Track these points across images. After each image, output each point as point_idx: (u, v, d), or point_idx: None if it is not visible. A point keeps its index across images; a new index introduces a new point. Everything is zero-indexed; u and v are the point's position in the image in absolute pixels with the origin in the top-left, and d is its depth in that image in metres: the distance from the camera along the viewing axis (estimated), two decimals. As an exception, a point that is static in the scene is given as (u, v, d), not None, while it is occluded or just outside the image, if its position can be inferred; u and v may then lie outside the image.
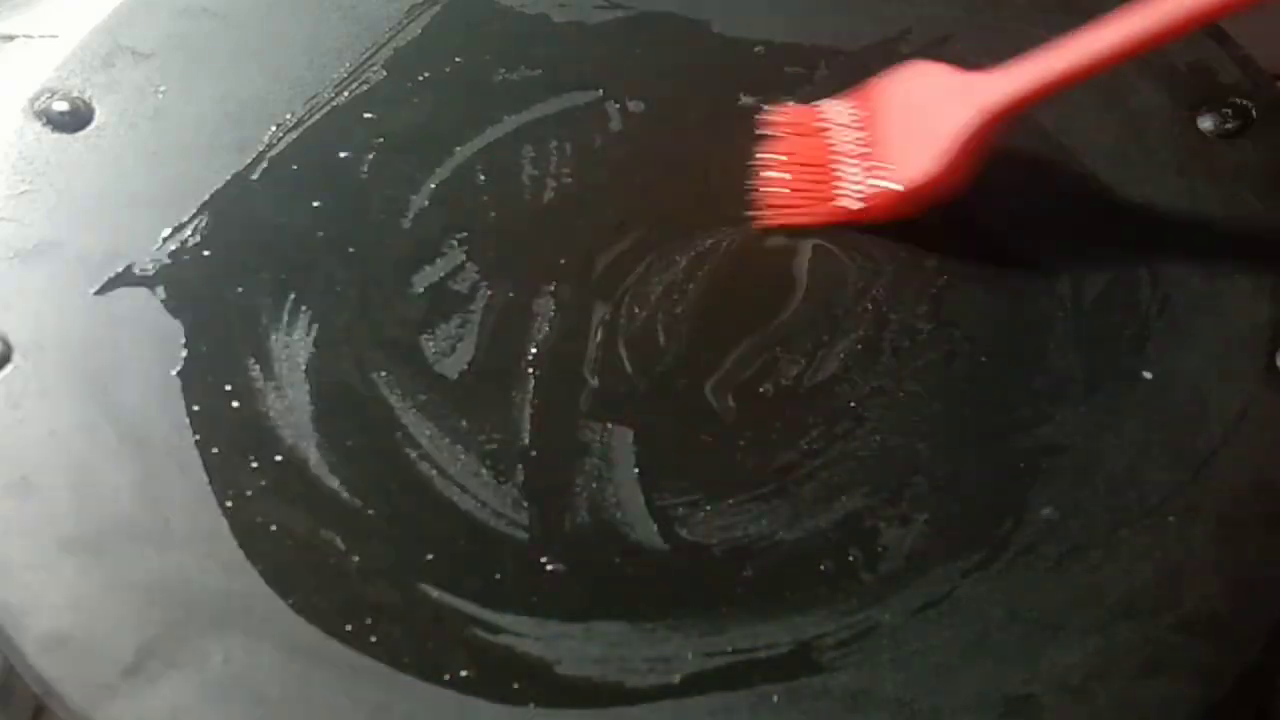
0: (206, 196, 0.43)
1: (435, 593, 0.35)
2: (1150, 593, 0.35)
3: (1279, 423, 0.38)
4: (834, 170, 0.43)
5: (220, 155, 0.44)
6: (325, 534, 0.36)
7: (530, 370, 0.40)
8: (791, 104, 0.45)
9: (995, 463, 0.38)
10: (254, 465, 0.37)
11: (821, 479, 0.38)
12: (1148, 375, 0.39)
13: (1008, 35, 0.43)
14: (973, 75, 0.41)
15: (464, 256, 0.42)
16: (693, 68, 0.47)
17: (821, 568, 0.36)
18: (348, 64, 0.46)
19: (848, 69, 0.46)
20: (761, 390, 0.39)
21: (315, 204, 0.43)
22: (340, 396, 0.39)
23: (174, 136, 0.44)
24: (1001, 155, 0.43)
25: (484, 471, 0.38)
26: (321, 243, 0.42)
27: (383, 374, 0.39)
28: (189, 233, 0.42)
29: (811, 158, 0.43)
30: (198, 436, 0.38)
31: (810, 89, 0.46)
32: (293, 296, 0.41)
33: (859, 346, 0.40)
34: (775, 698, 0.34)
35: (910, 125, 0.42)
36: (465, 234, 0.42)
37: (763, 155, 0.44)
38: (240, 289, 0.41)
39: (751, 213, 0.43)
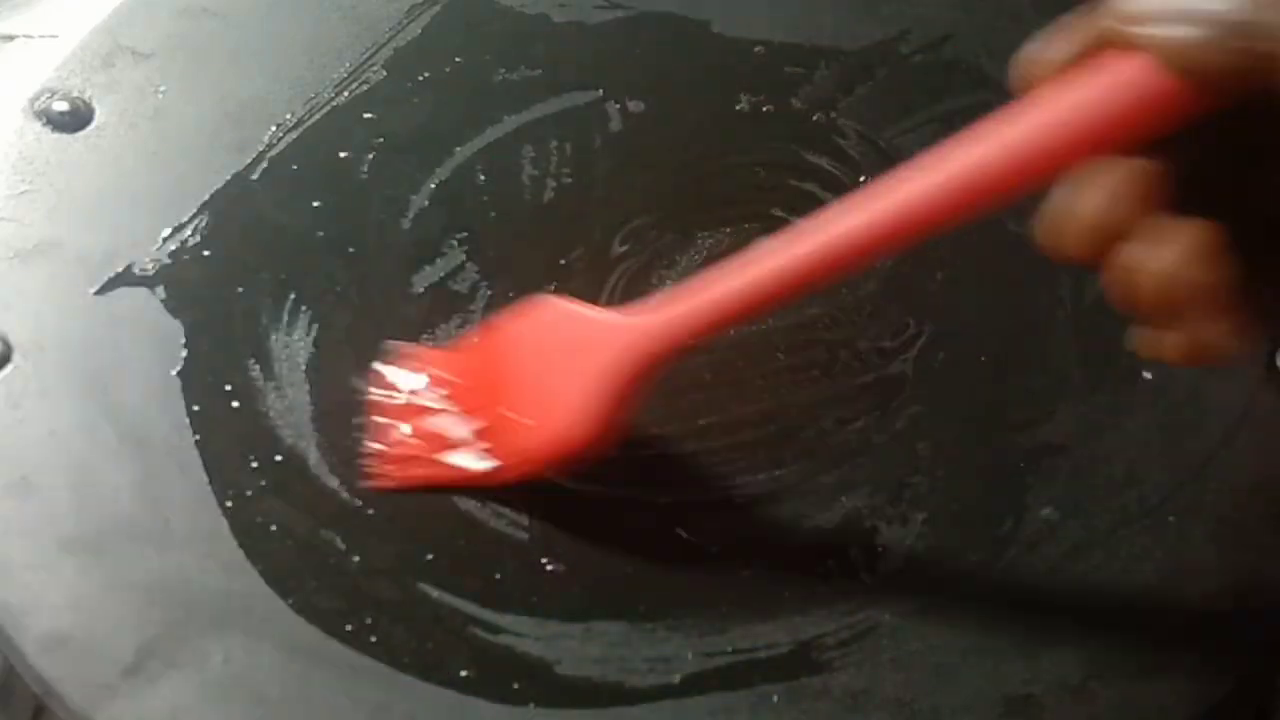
0: (206, 196, 0.43)
1: (435, 593, 0.35)
2: (1150, 593, 0.35)
3: (1279, 423, 0.38)
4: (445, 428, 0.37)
5: (220, 155, 0.44)
6: (325, 534, 0.36)
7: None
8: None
9: (995, 463, 0.38)
10: (254, 465, 0.37)
11: (822, 479, 0.38)
12: (1148, 375, 0.39)
13: (1008, 35, 0.43)
14: (610, 321, 0.35)
15: (464, 256, 0.42)
16: (693, 68, 0.47)
17: (821, 568, 0.36)
18: (348, 64, 0.46)
19: (848, 69, 0.46)
20: (761, 390, 0.39)
21: (315, 204, 0.43)
22: (340, 396, 0.39)
23: (174, 136, 0.44)
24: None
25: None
26: (321, 243, 0.42)
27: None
28: (189, 233, 0.42)
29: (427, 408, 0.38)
30: (198, 436, 0.38)
31: (810, 89, 0.46)
32: (293, 296, 0.41)
33: (858, 346, 0.40)
34: (775, 698, 0.34)
35: (541, 380, 0.36)
36: (465, 234, 0.43)
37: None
38: (240, 289, 0.41)
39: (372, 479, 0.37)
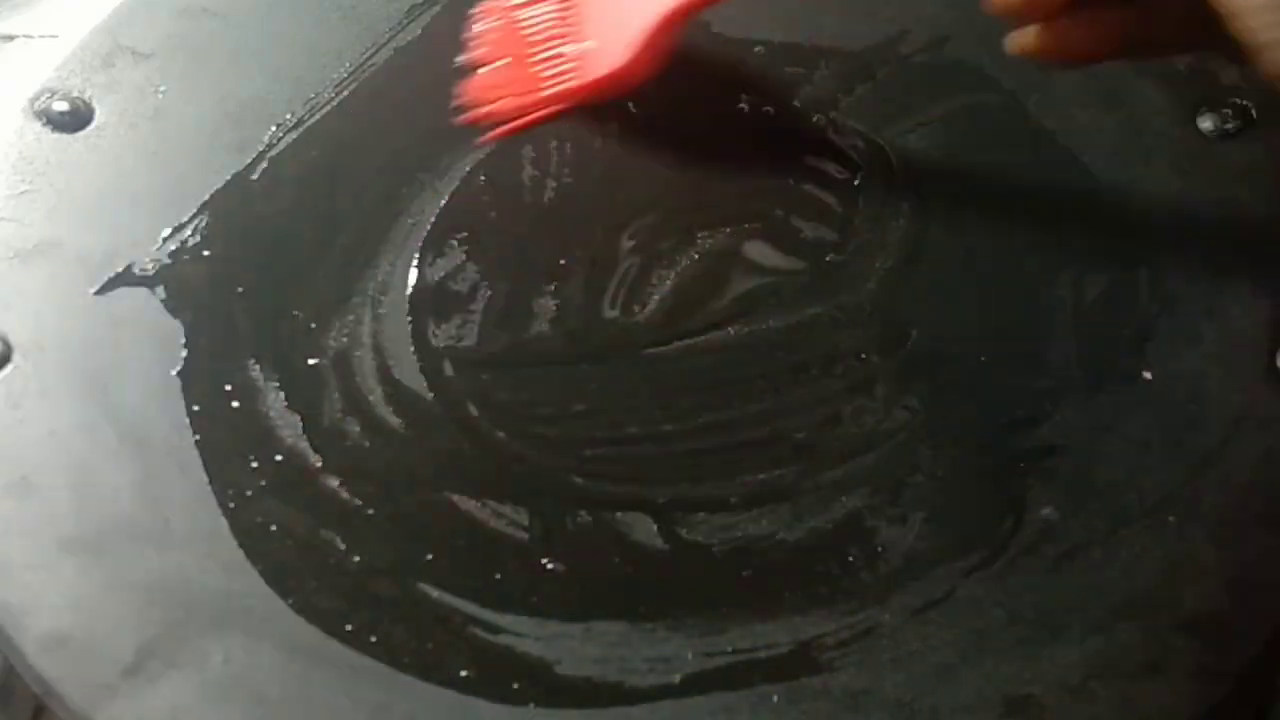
0: (206, 196, 0.43)
1: (435, 593, 0.35)
2: (1150, 593, 0.35)
3: (1279, 423, 0.38)
4: (534, 60, 0.43)
5: (220, 155, 0.44)
6: (325, 534, 0.36)
7: (530, 370, 0.40)
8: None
9: (995, 463, 0.38)
10: (254, 465, 0.38)
11: (821, 479, 0.38)
12: (1148, 375, 0.39)
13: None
14: None
15: (464, 256, 0.42)
16: (693, 68, 0.47)
17: (821, 568, 0.36)
18: (348, 64, 0.46)
19: (848, 69, 0.46)
20: (761, 390, 0.39)
21: (315, 204, 0.43)
22: (340, 396, 0.39)
23: (174, 136, 0.44)
24: (1002, 154, 0.43)
25: (484, 470, 0.38)
26: (320, 243, 0.42)
27: (383, 373, 0.39)
28: (189, 233, 0.42)
29: (512, 50, 0.44)
30: (198, 436, 0.38)
31: (810, 89, 0.46)
32: (292, 296, 0.41)
33: (858, 346, 0.40)
34: (775, 698, 0.34)
35: (608, 10, 0.43)
36: (465, 234, 0.42)
37: (468, 59, 0.44)
38: (240, 289, 0.41)
39: (471, 126, 0.43)
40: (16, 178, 0.43)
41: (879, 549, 0.36)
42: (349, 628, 0.35)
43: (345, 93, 0.45)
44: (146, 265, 0.41)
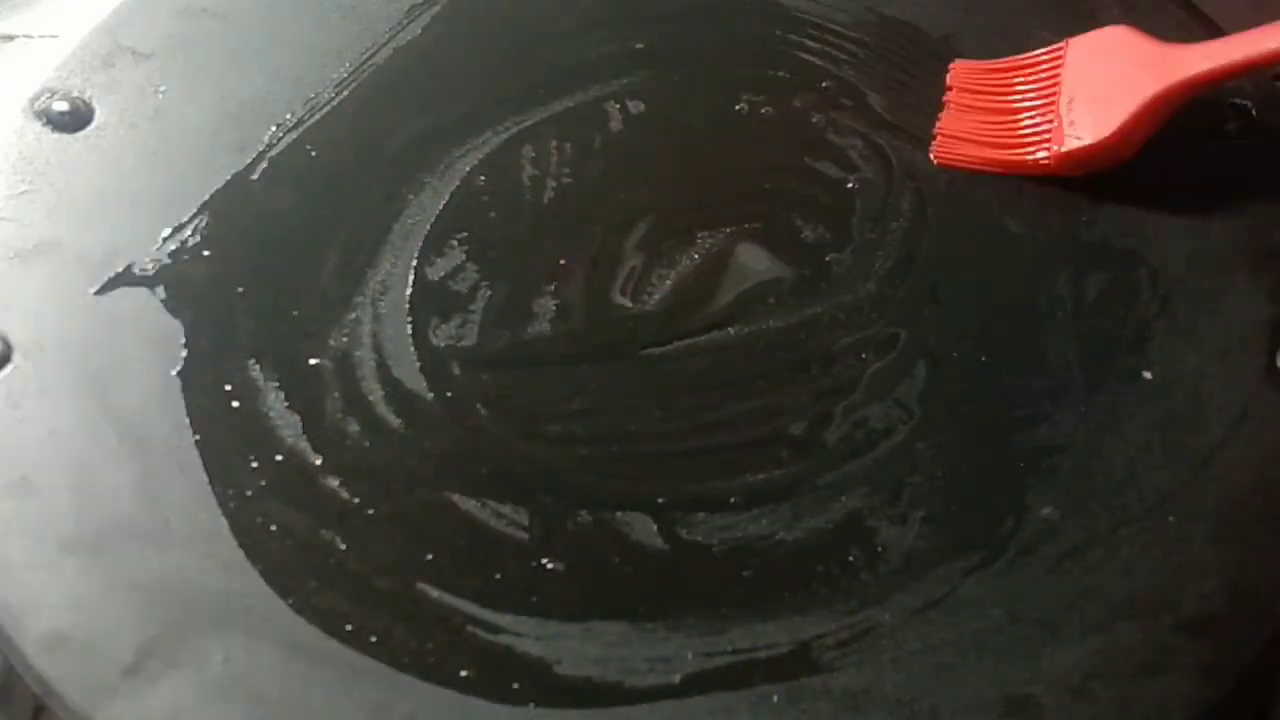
0: (206, 196, 0.43)
1: (435, 593, 0.35)
2: (1150, 593, 0.35)
3: (1279, 423, 0.38)
4: (1017, 121, 0.44)
5: (220, 155, 0.44)
6: (325, 534, 0.36)
7: (530, 370, 0.40)
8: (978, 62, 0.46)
9: (995, 463, 0.38)
10: (254, 465, 0.37)
11: (821, 479, 0.38)
12: (1148, 375, 0.39)
13: (1008, 35, 0.43)
14: (1167, 47, 0.42)
15: (464, 256, 0.42)
16: (693, 68, 0.47)
17: (821, 568, 0.36)
18: (348, 64, 0.46)
19: (848, 68, 0.46)
20: (761, 390, 0.39)
21: (315, 204, 0.43)
22: (340, 396, 0.39)
23: (174, 136, 0.44)
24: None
25: (484, 470, 0.38)
26: (320, 243, 0.42)
27: (383, 373, 0.39)
28: (189, 233, 0.42)
29: (996, 105, 0.44)
30: (198, 436, 0.38)
31: (810, 89, 0.46)
32: (292, 296, 0.41)
33: (858, 346, 0.40)
34: (775, 698, 0.34)
35: (1098, 87, 0.43)
36: (465, 234, 0.43)
37: (949, 98, 0.45)
38: (240, 289, 0.41)
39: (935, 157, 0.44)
40: (16, 178, 0.43)
41: (879, 549, 0.36)
42: (349, 628, 0.35)
43: (345, 93, 0.45)
44: (146, 265, 0.41)
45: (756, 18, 0.48)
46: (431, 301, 0.41)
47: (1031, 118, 0.44)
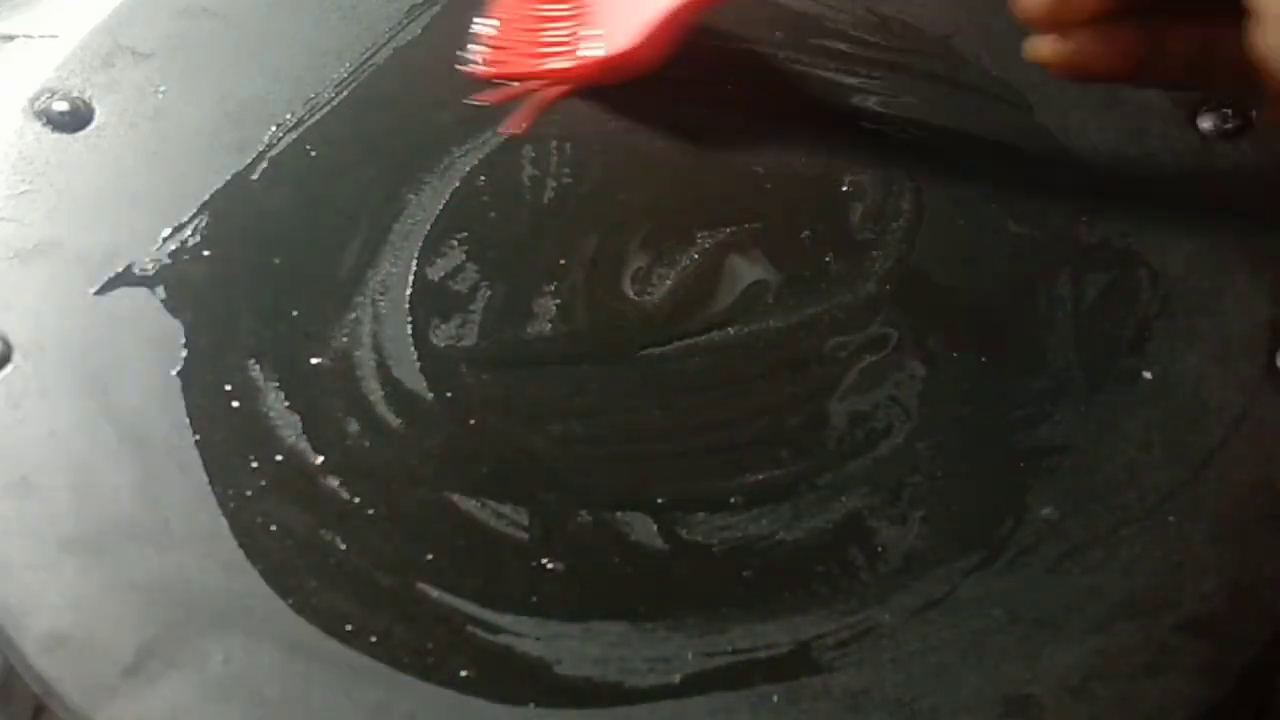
0: (206, 196, 0.43)
1: (435, 593, 0.35)
2: (1150, 593, 0.35)
3: (1279, 423, 0.38)
4: (543, 31, 0.45)
5: (220, 155, 0.44)
6: (325, 534, 0.36)
7: (530, 370, 0.40)
8: None
9: (995, 463, 0.38)
10: (254, 465, 0.37)
11: (821, 479, 0.38)
12: (1148, 375, 0.39)
13: (1007, 35, 0.43)
14: None
15: (464, 256, 0.42)
16: (693, 67, 0.47)
17: (821, 568, 0.36)
18: (348, 64, 0.46)
19: (848, 68, 0.46)
20: (760, 389, 0.39)
21: (315, 204, 0.43)
22: (340, 396, 0.39)
23: (174, 136, 0.44)
24: (1002, 154, 0.43)
25: (484, 470, 0.38)
26: (320, 243, 0.42)
27: (383, 373, 0.39)
28: (189, 233, 0.42)
29: (523, 18, 0.46)
30: (198, 436, 0.38)
31: (810, 89, 0.46)
32: (292, 296, 0.41)
33: (858, 346, 0.40)
34: (775, 698, 0.34)
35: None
36: (465, 234, 0.43)
37: (484, 17, 0.47)
38: (240, 289, 0.41)
39: (470, 70, 0.46)
40: (16, 178, 0.43)
41: (879, 549, 0.36)
42: (349, 628, 0.35)
43: (345, 93, 0.45)
44: (146, 265, 0.41)
45: (758, 17, 0.48)
46: (431, 301, 0.41)
47: (559, 27, 0.45)
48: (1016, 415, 0.39)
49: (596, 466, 0.38)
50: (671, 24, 0.43)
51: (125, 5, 0.47)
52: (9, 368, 0.39)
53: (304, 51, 0.46)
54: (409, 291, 0.41)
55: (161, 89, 0.45)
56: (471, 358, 0.40)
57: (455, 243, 0.42)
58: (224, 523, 0.36)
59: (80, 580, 0.35)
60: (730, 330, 0.41)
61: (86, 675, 0.34)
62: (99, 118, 0.44)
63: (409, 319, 0.41)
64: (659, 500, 0.37)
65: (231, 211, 0.43)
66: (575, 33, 0.45)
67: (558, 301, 0.41)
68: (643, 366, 0.40)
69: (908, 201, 0.43)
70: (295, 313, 0.41)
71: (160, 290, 0.41)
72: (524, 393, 0.39)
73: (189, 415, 0.38)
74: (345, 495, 0.37)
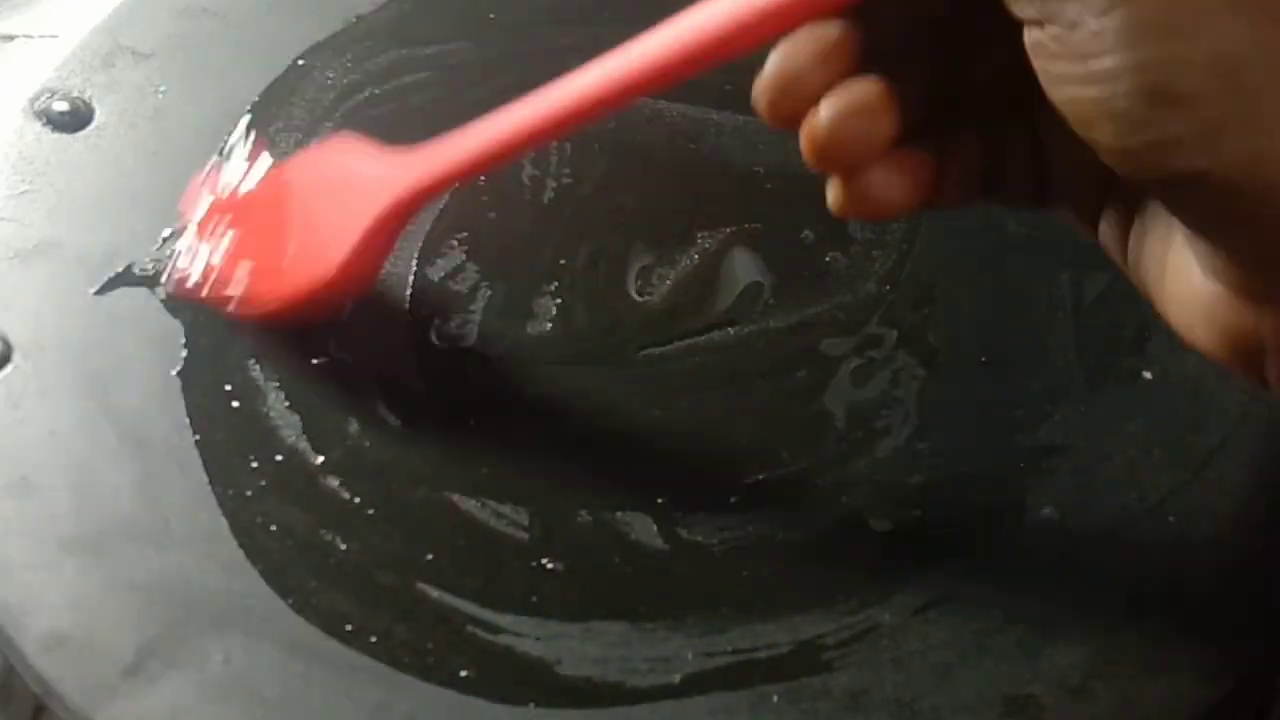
0: (206, 196, 0.43)
1: (435, 593, 0.35)
2: (1150, 593, 0.35)
3: (1279, 423, 0.38)
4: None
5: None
6: (325, 534, 0.36)
7: (530, 370, 0.40)
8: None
9: (995, 463, 0.38)
10: (254, 465, 0.38)
11: (822, 479, 0.38)
12: (1148, 375, 0.39)
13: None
14: (387, 158, 0.38)
15: (464, 256, 0.42)
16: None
17: (821, 568, 0.36)
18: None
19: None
20: (761, 389, 0.39)
21: (315, 204, 0.43)
22: (340, 396, 0.39)
23: (174, 136, 0.44)
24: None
25: (484, 470, 0.38)
26: (321, 243, 0.42)
27: (383, 373, 0.39)
28: (189, 233, 0.42)
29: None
30: (198, 436, 0.38)
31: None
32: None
33: (857, 345, 0.40)
34: (775, 698, 0.34)
35: (318, 215, 0.39)
36: (465, 234, 0.43)
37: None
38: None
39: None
40: (16, 178, 0.43)
41: (879, 549, 0.36)
42: (349, 628, 0.35)
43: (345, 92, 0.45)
44: (146, 265, 0.41)
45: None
46: (431, 301, 0.41)
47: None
48: (1016, 415, 0.39)
49: (596, 466, 0.38)
50: (376, 239, 0.38)
51: (125, 5, 0.47)
52: (9, 368, 0.39)
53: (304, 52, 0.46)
54: (409, 291, 0.41)
55: (161, 89, 0.45)
56: (471, 358, 0.40)
57: (455, 243, 0.42)
58: (224, 523, 0.36)
59: (80, 580, 0.35)
60: (730, 330, 0.41)
61: (86, 675, 0.34)
62: (99, 118, 0.44)
63: (409, 319, 0.41)
64: (659, 500, 0.37)
65: (231, 211, 0.43)
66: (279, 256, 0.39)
67: (558, 301, 0.41)
68: (643, 366, 0.40)
69: (908, 201, 0.43)
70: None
71: (160, 290, 0.41)
72: (524, 393, 0.39)
73: (189, 415, 0.38)
74: (345, 495, 0.37)
